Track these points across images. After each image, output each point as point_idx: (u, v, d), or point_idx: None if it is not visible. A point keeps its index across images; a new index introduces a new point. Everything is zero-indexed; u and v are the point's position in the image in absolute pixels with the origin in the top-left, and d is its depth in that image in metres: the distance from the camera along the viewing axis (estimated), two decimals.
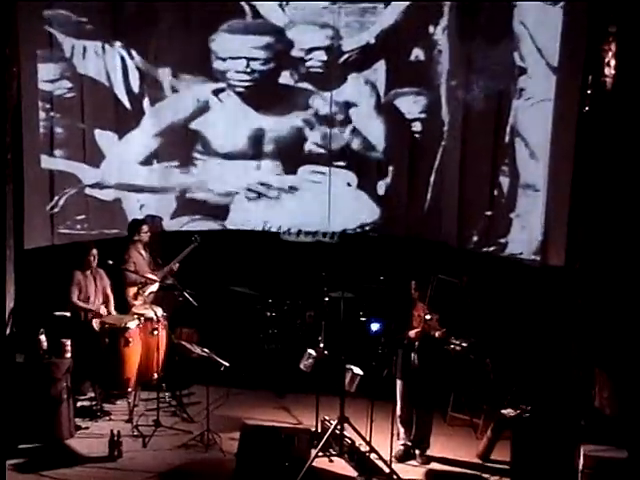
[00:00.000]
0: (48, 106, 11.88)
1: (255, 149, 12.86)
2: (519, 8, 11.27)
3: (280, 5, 12.41)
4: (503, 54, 11.46)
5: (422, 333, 9.61)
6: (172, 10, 12.41)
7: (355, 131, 12.61)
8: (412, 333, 9.66)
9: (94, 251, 11.11)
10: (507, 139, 11.58)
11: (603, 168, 10.06)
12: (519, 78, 11.38)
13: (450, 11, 11.90)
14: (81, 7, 12.01)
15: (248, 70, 12.58)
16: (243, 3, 12.43)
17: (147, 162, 12.85)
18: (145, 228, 11.84)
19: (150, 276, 11.52)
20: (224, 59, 12.63)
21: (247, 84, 12.67)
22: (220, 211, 13.03)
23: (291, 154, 12.84)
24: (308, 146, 12.78)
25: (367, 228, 12.76)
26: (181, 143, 12.90)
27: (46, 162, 11.93)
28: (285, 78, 12.63)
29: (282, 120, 12.73)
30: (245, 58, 12.56)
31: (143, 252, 11.76)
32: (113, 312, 11.24)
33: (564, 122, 10.79)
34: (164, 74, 12.66)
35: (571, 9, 10.66)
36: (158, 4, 12.38)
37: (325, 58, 12.47)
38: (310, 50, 12.49)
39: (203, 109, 12.79)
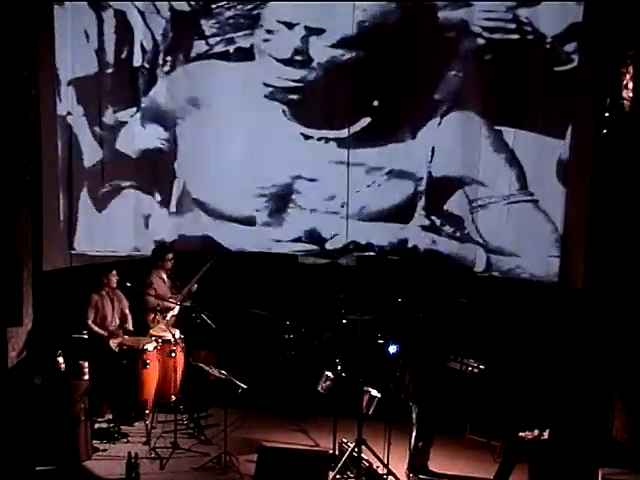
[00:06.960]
0: None
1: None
2: None
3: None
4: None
5: None
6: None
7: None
8: None
9: (114, 273, 11.21)
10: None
11: (621, 190, 10.06)
12: None
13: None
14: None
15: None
16: None
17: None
18: (170, 255, 11.80)
19: (170, 301, 11.52)
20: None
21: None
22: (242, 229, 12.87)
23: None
24: None
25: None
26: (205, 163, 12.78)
27: None
28: None
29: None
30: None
31: (165, 277, 11.75)
32: (130, 329, 11.34)
33: (582, 145, 10.80)
34: None
35: (588, 33, 10.68)
36: None
37: None
38: None
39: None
